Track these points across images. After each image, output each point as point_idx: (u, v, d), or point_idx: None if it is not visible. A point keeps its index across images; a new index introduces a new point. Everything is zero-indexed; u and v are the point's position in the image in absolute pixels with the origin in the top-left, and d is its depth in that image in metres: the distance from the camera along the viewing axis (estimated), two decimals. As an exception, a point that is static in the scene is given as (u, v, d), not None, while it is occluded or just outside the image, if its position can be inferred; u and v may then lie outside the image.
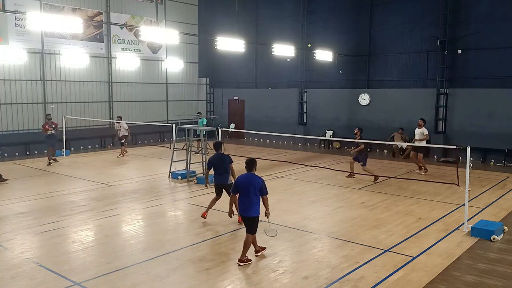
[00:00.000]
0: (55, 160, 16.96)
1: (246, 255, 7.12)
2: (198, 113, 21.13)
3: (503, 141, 16.96)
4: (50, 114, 17.34)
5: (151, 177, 14.41)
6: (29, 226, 9.04)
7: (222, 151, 9.71)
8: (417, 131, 15.06)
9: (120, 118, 19.08)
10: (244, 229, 7.31)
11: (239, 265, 7.01)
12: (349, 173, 14.16)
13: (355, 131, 14.02)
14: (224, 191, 9.36)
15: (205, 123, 19.91)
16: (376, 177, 13.71)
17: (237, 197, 7.31)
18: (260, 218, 7.17)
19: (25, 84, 19.17)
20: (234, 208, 8.13)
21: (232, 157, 9.47)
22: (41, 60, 19.64)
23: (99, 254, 7.58)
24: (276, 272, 6.82)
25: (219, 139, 13.60)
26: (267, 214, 7.14)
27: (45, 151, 17.33)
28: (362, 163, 13.77)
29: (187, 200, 11.39)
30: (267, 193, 7.08)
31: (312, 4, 22.61)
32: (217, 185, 9.37)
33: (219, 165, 9.22)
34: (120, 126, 18.63)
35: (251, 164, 7.24)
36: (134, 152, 19.78)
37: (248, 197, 6.99)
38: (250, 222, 7.08)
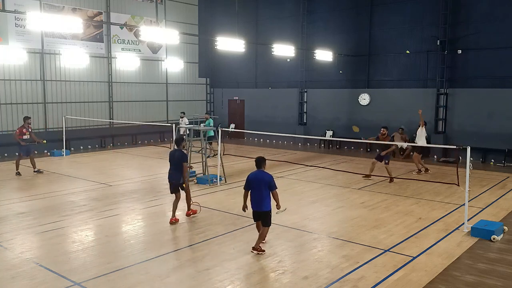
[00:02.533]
0: (39, 171, 14.75)
1: (260, 245, 7.55)
2: (206, 113, 21.25)
3: (503, 141, 16.96)
4: (29, 117, 15.35)
5: (151, 177, 14.41)
6: (29, 226, 9.04)
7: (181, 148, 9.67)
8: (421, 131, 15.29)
9: (183, 113, 19.83)
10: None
11: (252, 252, 7.46)
12: (365, 175, 13.87)
13: (383, 131, 13.62)
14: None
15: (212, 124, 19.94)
16: (391, 179, 13.55)
17: (249, 193, 7.70)
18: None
19: (25, 84, 19.17)
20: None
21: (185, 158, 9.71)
22: (41, 60, 19.64)
23: (99, 254, 7.58)
24: (276, 272, 6.82)
25: (219, 139, 13.61)
26: (278, 207, 7.59)
27: (14, 159, 15.19)
28: (386, 161, 13.54)
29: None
30: (276, 188, 7.56)
31: (312, 4, 22.61)
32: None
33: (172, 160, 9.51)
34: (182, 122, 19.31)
35: (260, 161, 7.73)
36: (134, 152, 19.79)
37: (259, 193, 7.48)
38: (263, 216, 7.55)
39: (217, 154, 17.55)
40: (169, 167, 9.61)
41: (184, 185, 9.49)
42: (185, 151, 9.72)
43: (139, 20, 23.08)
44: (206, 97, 27.47)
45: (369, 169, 13.92)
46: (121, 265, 7.04)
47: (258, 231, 7.76)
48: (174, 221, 9.24)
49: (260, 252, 7.47)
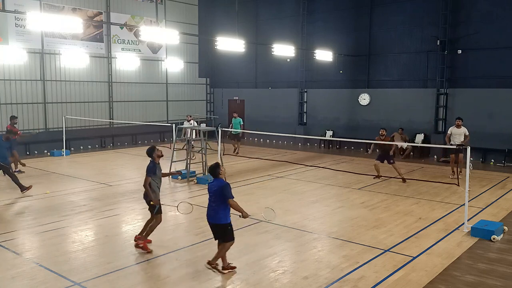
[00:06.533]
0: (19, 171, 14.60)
1: (230, 262, 6.83)
2: (234, 112, 21.01)
3: (503, 141, 16.96)
4: (16, 117, 15.39)
5: (151, 177, 14.37)
6: (29, 226, 9.04)
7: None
8: (457, 131, 13.89)
9: (190, 116, 18.86)
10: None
11: (223, 273, 6.67)
12: (375, 176, 13.90)
13: (382, 132, 13.64)
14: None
15: (242, 123, 19.95)
16: (404, 179, 13.52)
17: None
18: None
19: (25, 84, 19.17)
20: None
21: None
22: (41, 60, 19.63)
23: (99, 254, 7.58)
24: (276, 272, 6.82)
25: (219, 140, 13.62)
26: (243, 217, 6.54)
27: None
28: (392, 161, 13.57)
29: (187, 200, 11.36)
30: (232, 197, 6.48)
31: (312, 4, 22.60)
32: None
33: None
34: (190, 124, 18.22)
35: (213, 169, 6.68)
36: (134, 152, 19.78)
37: (214, 203, 6.58)
38: (218, 230, 6.63)
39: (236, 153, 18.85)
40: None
41: (151, 203, 7.79)
42: (157, 162, 7.99)
43: (139, 20, 23.07)
44: (206, 97, 27.46)
45: (376, 171, 13.89)
46: (121, 265, 7.04)
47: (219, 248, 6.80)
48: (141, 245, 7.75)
49: (232, 270, 6.70)
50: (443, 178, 14.00)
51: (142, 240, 7.73)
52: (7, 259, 7.31)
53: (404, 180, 13.49)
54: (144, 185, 7.73)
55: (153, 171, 7.76)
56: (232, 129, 19.22)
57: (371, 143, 14.69)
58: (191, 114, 19.59)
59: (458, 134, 13.81)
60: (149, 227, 7.84)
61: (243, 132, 19.90)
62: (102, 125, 21.94)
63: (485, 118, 17.49)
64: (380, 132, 13.74)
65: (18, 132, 14.92)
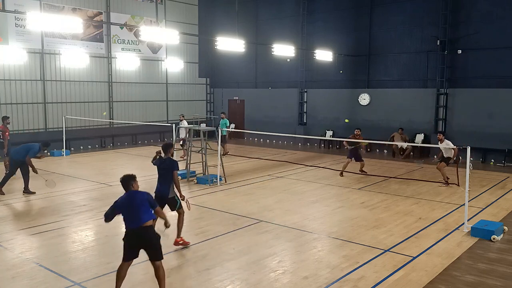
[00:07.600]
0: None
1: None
2: (222, 112, 20.72)
3: (503, 141, 16.95)
4: (8, 117, 14.85)
5: (151, 177, 14.34)
6: (29, 226, 9.04)
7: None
8: (440, 145, 12.72)
9: (182, 116, 18.43)
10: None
11: None
12: (341, 172, 14.62)
13: (357, 132, 14.57)
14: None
15: (228, 124, 19.45)
16: (363, 171, 14.69)
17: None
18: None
19: (25, 84, 19.17)
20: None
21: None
22: (41, 60, 19.63)
23: (99, 254, 7.59)
24: (276, 272, 6.82)
25: (219, 140, 13.60)
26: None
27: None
28: (361, 159, 14.60)
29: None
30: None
31: (312, 4, 22.60)
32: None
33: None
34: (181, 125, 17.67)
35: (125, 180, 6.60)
36: (134, 152, 19.78)
37: None
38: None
39: (226, 153, 18.55)
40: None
41: (180, 197, 7.67)
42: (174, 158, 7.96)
43: (139, 20, 23.07)
44: (206, 97, 27.47)
45: (343, 167, 14.56)
46: (121, 265, 7.03)
47: None
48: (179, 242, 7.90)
49: None
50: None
51: (179, 238, 7.82)
52: (7, 259, 7.31)
53: (364, 172, 14.56)
54: (177, 181, 7.72)
55: (178, 165, 7.86)
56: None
57: (343, 141, 15.40)
58: (184, 114, 19.52)
59: (442, 148, 12.95)
60: (179, 224, 7.89)
61: (230, 132, 19.72)
62: (102, 125, 21.94)
63: (485, 118, 17.49)
64: (356, 132, 14.55)
65: (6, 133, 14.39)
